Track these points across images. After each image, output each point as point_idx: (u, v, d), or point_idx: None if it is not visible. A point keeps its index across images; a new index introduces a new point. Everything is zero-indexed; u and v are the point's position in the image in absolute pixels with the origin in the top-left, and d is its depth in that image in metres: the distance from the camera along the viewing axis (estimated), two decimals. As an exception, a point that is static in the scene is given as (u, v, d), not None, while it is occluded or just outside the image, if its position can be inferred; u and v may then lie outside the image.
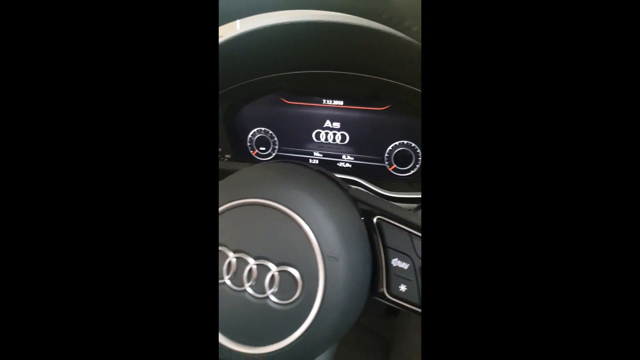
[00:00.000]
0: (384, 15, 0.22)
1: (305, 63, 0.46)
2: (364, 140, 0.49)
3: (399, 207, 0.30)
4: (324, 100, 0.49)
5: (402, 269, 0.28)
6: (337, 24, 0.37)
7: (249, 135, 0.54)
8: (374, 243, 0.30)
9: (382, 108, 0.47)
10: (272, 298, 0.26)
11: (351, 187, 0.32)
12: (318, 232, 0.26)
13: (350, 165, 0.51)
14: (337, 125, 0.49)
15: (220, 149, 0.53)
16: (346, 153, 0.51)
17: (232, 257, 0.27)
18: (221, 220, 0.28)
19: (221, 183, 0.30)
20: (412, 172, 0.48)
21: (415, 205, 0.43)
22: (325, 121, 0.50)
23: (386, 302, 0.29)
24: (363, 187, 0.47)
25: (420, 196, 0.44)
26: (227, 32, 0.40)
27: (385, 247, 0.29)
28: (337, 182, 0.32)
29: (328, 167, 0.51)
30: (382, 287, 0.29)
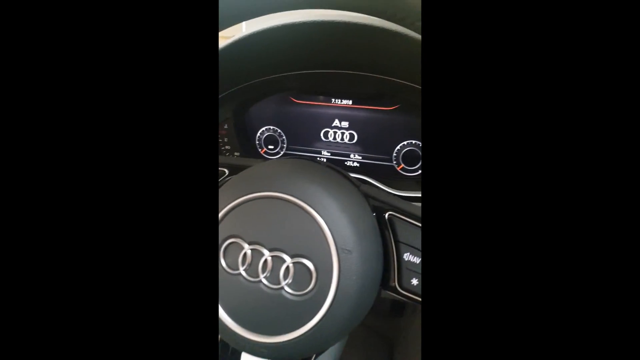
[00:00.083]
0: (398, 14, 0.22)
1: (315, 62, 0.46)
2: (373, 140, 0.50)
3: (410, 203, 0.30)
4: (333, 100, 0.49)
5: (413, 263, 0.29)
6: (346, 23, 0.37)
7: (258, 134, 0.54)
8: (385, 238, 0.30)
9: (390, 108, 0.47)
10: (287, 289, 0.26)
11: (362, 184, 0.32)
12: (332, 225, 0.26)
13: (358, 165, 0.51)
14: (345, 124, 0.50)
15: (229, 147, 0.54)
16: (354, 152, 0.51)
17: (247, 248, 0.27)
18: (236, 213, 0.28)
19: (236, 177, 0.30)
20: (420, 171, 0.48)
21: None
22: (333, 120, 0.50)
23: (398, 296, 0.29)
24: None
25: None
26: (234, 32, 0.41)
27: (396, 241, 0.30)
28: (349, 178, 0.32)
29: (336, 165, 0.52)
30: (394, 282, 0.29)
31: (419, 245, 0.29)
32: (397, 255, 0.29)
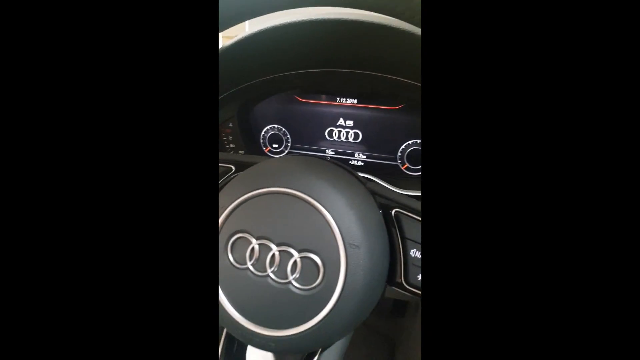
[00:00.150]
0: (407, 13, 0.23)
1: (320, 61, 0.46)
2: (377, 139, 0.50)
3: (417, 201, 0.31)
4: (338, 99, 0.50)
5: (419, 259, 0.29)
6: (351, 21, 0.37)
7: (262, 132, 0.54)
8: (392, 235, 0.30)
9: (395, 107, 0.47)
10: (294, 283, 0.26)
11: (368, 182, 0.33)
12: (340, 220, 0.26)
13: (362, 164, 0.52)
14: (350, 123, 0.50)
15: (233, 145, 0.54)
16: (359, 151, 0.51)
17: (255, 243, 0.27)
18: (244, 208, 0.28)
19: (244, 173, 0.30)
20: None
21: None
22: (338, 119, 0.51)
23: (403, 292, 0.30)
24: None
25: None
26: (237, 32, 0.41)
27: (403, 238, 0.30)
28: (356, 175, 0.32)
29: (340, 164, 0.52)
30: (400, 278, 0.30)
31: None
32: (403, 252, 0.30)
